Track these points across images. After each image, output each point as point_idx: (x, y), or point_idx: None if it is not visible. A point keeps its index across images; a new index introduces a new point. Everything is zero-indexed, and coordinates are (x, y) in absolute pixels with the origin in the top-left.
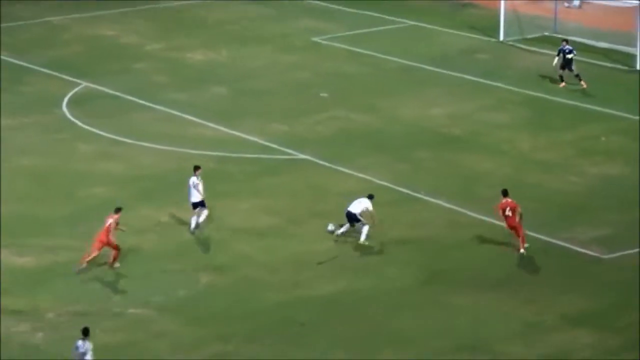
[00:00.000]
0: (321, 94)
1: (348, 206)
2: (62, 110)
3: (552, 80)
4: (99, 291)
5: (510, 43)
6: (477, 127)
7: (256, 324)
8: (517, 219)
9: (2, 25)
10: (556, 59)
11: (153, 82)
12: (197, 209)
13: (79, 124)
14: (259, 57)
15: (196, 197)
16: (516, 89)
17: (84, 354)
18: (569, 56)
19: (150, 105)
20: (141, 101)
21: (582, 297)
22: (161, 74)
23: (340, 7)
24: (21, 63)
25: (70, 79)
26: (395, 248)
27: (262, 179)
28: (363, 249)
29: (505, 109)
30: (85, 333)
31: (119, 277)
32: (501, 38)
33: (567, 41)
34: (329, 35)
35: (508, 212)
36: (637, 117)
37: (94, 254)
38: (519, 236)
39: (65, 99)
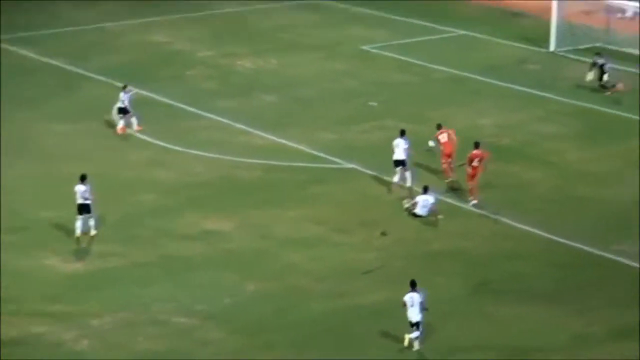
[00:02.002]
0: (370, 103)
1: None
2: (113, 117)
3: (601, 91)
4: (145, 299)
5: (562, 54)
6: (525, 138)
7: (301, 333)
8: (480, 170)
9: (57, 30)
10: (589, 73)
11: (203, 89)
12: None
13: (130, 131)
14: (308, 65)
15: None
16: (566, 100)
17: (422, 302)
18: (604, 68)
19: (201, 113)
20: (191, 109)
21: (631, 310)
22: (212, 81)
23: (389, 16)
24: (75, 69)
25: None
26: (441, 258)
27: (310, 187)
28: (409, 259)
29: (554, 120)
30: (413, 285)
31: (165, 284)
32: (552, 48)
33: (600, 54)
34: (378, 44)
35: (476, 163)
36: None
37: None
38: (472, 188)
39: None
